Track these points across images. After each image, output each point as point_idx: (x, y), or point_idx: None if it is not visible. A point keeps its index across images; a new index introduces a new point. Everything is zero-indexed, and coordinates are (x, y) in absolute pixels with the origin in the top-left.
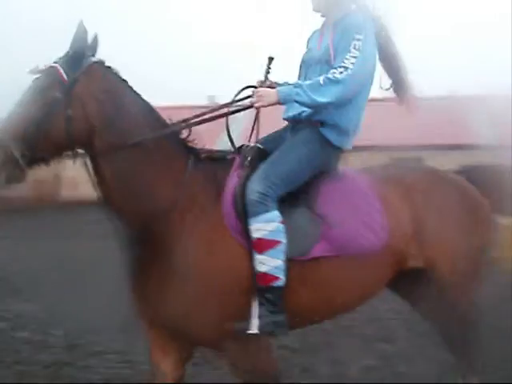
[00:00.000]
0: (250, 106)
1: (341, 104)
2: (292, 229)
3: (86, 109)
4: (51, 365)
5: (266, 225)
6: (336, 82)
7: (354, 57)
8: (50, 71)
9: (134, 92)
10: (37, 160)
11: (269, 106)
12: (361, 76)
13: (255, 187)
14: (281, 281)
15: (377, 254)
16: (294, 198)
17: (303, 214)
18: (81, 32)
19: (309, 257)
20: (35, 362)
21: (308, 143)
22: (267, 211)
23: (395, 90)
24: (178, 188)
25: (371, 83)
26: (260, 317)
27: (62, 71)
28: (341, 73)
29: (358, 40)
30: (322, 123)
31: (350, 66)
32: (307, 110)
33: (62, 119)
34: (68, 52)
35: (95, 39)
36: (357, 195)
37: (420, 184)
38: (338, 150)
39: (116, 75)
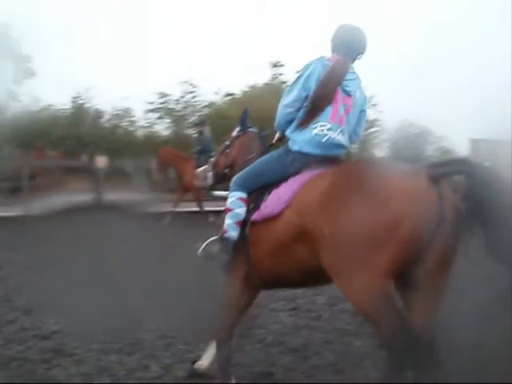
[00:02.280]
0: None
1: (279, 128)
2: (250, 204)
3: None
4: None
5: (229, 199)
6: None
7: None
8: None
9: None
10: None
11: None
12: (281, 108)
13: (234, 178)
14: (228, 234)
15: (280, 217)
16: (264, 190)
17: (259, 197)
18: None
19: (251, 221)
20: None
21: (275, 152)
22: (232, 192)
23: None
24: None
25: (300, 107)
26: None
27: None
28: None
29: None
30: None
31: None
32: None
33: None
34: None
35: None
36: (290, 184)
37: (344, 173)
38: (298, 154)
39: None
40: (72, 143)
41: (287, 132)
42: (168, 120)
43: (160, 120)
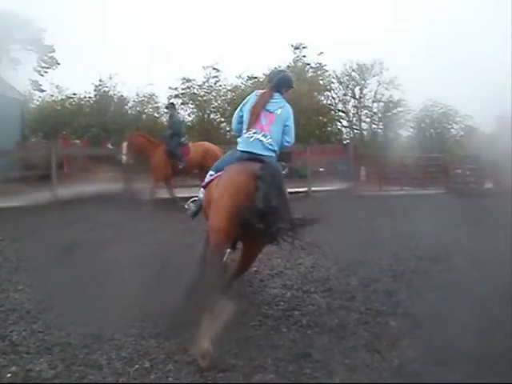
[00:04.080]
0: None
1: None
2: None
3: None
4: None
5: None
6: None
7: None
8: None
9: None
10: None
11: None
12: (233, 122)
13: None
14: (199, 194)
15: (207, 187)
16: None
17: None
18: None
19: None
20: None
21: (233, 150)
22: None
23: None
24: None
25: (238, 123)
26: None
27: None
28: None
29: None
30: None
31: None
32: None
33: None
34: None
35: None
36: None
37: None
38: (239, 151)
39: None
40: (97, 131)
41: (238, 137)
42: (192, 105)
43: (184, 105)
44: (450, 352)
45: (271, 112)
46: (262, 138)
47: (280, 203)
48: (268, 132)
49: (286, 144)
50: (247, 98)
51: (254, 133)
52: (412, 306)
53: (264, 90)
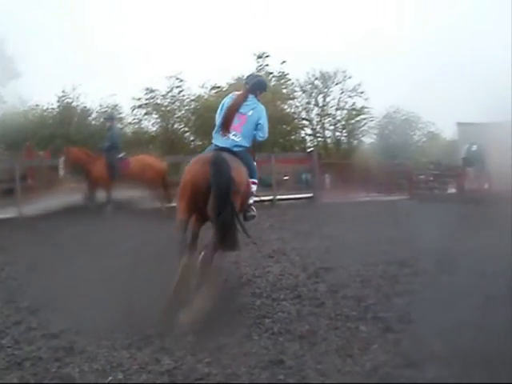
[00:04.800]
0: None
1: None
2: None
3: None
4: None
5: None
6: None
7: None
8: None
9: None
10: None
11: None
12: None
13: None
14: None
15: None
16: None
17: None
18: None
19: None
20: None
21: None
22: None
23: None
24: None
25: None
26: None
27: None
28: None
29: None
30: None
31: None
32: None
33: None
34: None
35: None
36: None
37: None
38: (214, 145)
39: None
40: (60, 142)
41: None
42: (155, 116)
43: (148, 116)
44: (420, 354)
45: (243, 114)
46: (233, 137)
47: (225, 189)
48: (239, 132)
49: (259, 139)
50: (225, 99)
51: (230, 134)
52: (381, 311)
53: (240, 92)
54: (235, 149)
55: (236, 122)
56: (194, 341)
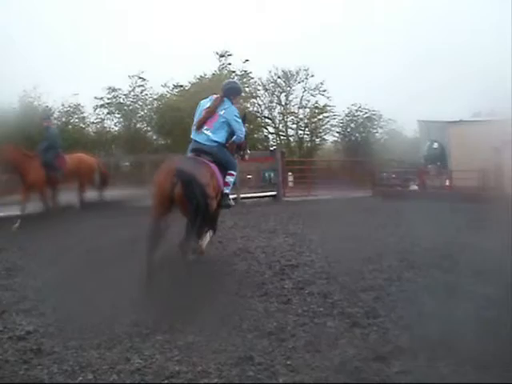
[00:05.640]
0: None
1: None
2: None
3: None
4: None
5: None
6: None
7: None
8: None
9: None
10: None
11: None
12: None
13: None
14: None
15: None
16: None
17: None
18: None
19: None
20: None
21: None
22: None
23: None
24: None
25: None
26: None
27: None
28: None
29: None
30: None
31: None
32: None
33: None
34: None
35: None
36: None
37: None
38: (192, 141)
39: None
40: (21, 142)
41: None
42: (118, 115)
43: (110, 115)
44: (387, 347)
45: (216, 113)
46: (206, 132)
47: (189, 194)
48: (211, 127)
49: (239, 137)
50: (202, 101)
51: (204, 129)
52: (348, 306)
53: (216, 96)
54: (209, 143)
55: (208, 119)
56: (162, 339)
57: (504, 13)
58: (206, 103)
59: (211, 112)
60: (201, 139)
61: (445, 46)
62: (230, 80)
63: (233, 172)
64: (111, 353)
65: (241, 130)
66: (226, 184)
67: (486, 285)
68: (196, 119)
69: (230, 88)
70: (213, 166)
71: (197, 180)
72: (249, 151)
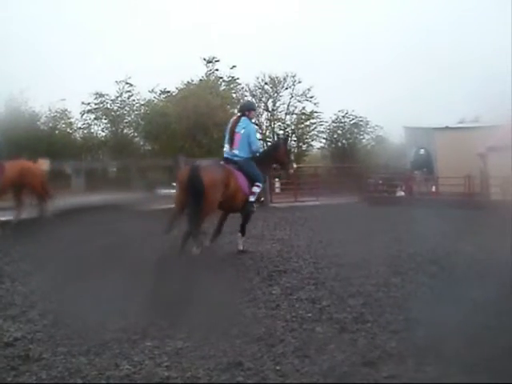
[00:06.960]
0: None
1: None
2: None
3: None
4: None
5: None
6: None
7: None
8: None
9: None
10: None
11: None
12: None
13: None
14: None
15: None
16: None
17: None
18: None
19: None
20: None
21: None
22: None
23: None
24: None
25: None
26: None
27: None
28: None
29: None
30: None
31: None
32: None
33: None
34: None
35: None
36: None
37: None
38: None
39: None
40: (8, 147)
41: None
42: (105, 121)
43: (97, 121)
44: (375, 352)
45: (237, 132)
46: (235, 151)
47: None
48: (237, 146)
49: (254, 150)
50: (228, 124)
51: (233, 148)
52: (336, 312)
53: (234, 118)
54: (235, 158)
55: (235, 139)
56: (152, 345)
57: (489, 17)
58: (229, 122)
59: (232, 132)
60: (229, 156)
61: (432, 54)
62: (245, 100)
63: (259, 184)
64: (100, 359)
65: (255, 145)
66: (252, 193)
67: (473, 289)
68: (226, 139)
69: (243, 105)
70: (236, 172)
71: (200, 169)
72: (295, 165)
